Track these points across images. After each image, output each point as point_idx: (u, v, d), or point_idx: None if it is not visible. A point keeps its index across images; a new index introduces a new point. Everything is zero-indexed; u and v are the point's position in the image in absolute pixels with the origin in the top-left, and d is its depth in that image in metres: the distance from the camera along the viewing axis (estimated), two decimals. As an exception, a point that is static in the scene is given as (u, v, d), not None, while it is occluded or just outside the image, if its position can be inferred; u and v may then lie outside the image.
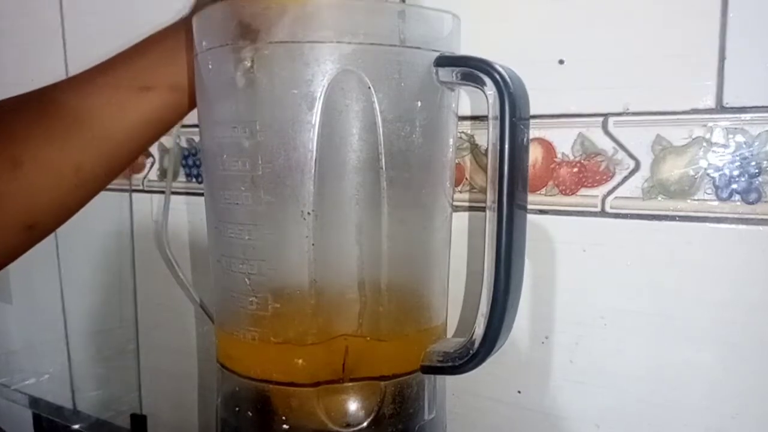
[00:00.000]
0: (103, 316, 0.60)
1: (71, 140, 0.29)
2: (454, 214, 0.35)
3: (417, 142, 0.29)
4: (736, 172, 0.30)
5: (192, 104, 0.32)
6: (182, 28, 0.32)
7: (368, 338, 0.29)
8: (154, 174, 0.53)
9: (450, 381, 0.35)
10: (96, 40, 0.41)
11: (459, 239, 0.37)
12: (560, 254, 0.35)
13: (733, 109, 0.30)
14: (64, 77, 0.32)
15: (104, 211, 0.57)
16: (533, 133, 0.35)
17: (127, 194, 0.54)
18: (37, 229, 0.30)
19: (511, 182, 0.26)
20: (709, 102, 0.31)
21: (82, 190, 0.30)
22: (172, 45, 0.32)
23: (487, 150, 0.27)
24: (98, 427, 0.61)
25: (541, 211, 0.35)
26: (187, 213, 0.51)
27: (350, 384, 0.29)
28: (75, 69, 0.31)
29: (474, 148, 0.37)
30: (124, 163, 0.32)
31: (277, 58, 0.28)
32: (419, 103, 0.29)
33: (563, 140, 0.34)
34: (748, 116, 0.30)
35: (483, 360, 0.28)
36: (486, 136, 0.28)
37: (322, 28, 0.27)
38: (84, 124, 0.29)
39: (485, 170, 0.34)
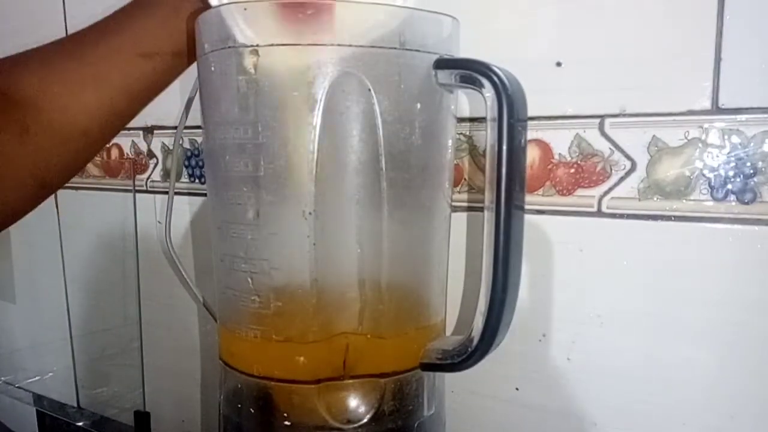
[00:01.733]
0: (107, 314, 0.60)
1: (76, 105, 0.29)
2: (453, 214, 0.35)
3: (416, 143, 0.29)
4: (731, 173, 0.31)
5: (193, 62, 0.32)
6: None
7: (368, 336, 0.29)
8: (157, 174, 0.53)
9: (449, 378, 0.36)
10: None
11: (458, 239, 0.38)
12: (557, 254, 0.35)
13: (728, 111, 0.30)
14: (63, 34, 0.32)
15: (108, 212, 0.57)
16: (531, 134, 0.35)
17: (130, 194, 0.55)
18: (48, 187, 0.30)
19: (509, 183, 0.26)
20: (705, 103, 0.31)
21: (88, 150, 0.31)
22: (174, 4, 0.31)
23: (485, 151, 0.28)
24: (102, 424, 0.61)
25: (539, 211, 0.36)
26: (189, 213, 0.51)
27: (351, 381, 0.30)
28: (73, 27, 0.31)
29: (472, 149, 0.38)
30: (126, 122, 0.32)
31: (279, 60, 0.28)
32: (419, 105, 0.29)
33: (560, 141, 0.35)
34: (743, 117, 0.30)
35: (481, 357, 0.28)
36: (484, 138, 0.28)
37: (323, 31, 0.27)
38: (87, 90, 0.29)
39: (483, 171, 0.34)
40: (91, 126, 0.30)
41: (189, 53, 0.32)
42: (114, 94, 0.30)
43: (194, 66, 0.31)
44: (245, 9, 0.28)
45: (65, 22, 0.57)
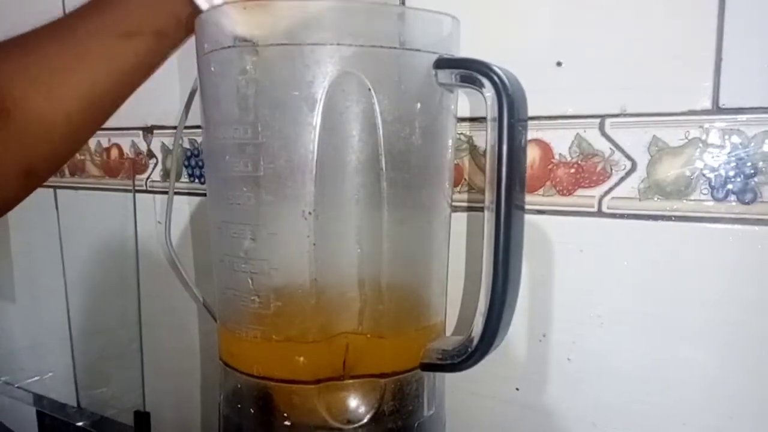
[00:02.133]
0: (106, 314, 0.60)
1: (58, 89, 0.29)
2: (453, 214, 0.35)
3: (416, 143, 0.29)
4: (731, 173, 0.31)
5: (179, 45, 0.31)
6: None
7: (368, 336, 0.29)
8: (157, 174, 0.53)
9: (449, 378, 0.36)
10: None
11: (458, 239, 0.38)
12: (557, 254, 0.35)
13: (729, 111, 0.30)
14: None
15: (108, 211, 0.57)
16: (531, 134, 0.35)
17: (130, 194, 0.55)
18: (35, 176, 0.30)
19: (509, 183, 0.26)
20: (706, 103, 0.31)
21: (74, 137, 0.30)
22: None
23: (485, 151, 0.28)
24: (102, 424, 0.61)
25: (539, 211, 0.36)
26: (189, 213, 0.51)
27: (351, 381, 0.30)
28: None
29: (473, 149, 0.38)
30: (114, 108, 0.32)
31: (278, 60, 0.28)
32: (419, 105, 0.29)
33: (561, 141, 0.35)
34: (744, 117, 0.30)
35: (481, 358, 0.29)
36: (484, 138, 0.28)
37: (323, 31, 0.27)
38: (68, 72, 0.29)
39: (484, 171, 0.35)
40: (75, 109, 0.29)
41: (174, 34, 0.31)
42: (96, 75, 0.30)
43: (194, 66, 0.31)
44: (245, 9, 0.28)
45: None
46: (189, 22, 0.30)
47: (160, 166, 0.53)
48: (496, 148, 0.26)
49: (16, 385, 0.69)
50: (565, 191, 0.35)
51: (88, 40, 0.29)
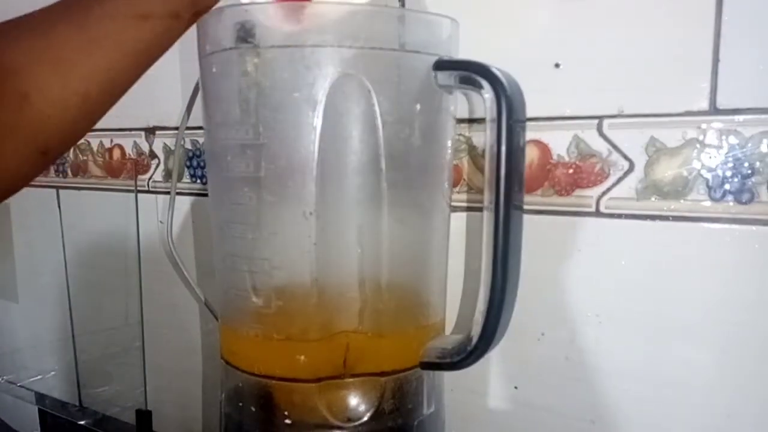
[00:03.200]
0: (108, 314, 0.60)
1: (74, 72, 0.29)
2: (453, 214, 0.35)
3: (416, 144, 0.30)
4: (729, 173, 0.31)
5: (188, 27, 0.31)
6: None
7: (369, 335, 0.30)
8: (159, 175, 0.54)
9: (448, 377, 0.36)
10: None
11: (457, 239, 0.38)
12: (556, 253, 0.36)
13: (726, 111, 0.31)
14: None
15: (110, 212, 0.58)
16: (529, 135, 0.35)
17: (132, 195, 0.55)
18: (50, 154, 0.30)
19: (507, 183, 0.27)
20: (703, 104, 0.31)
21: (90, 117, 0.31)
22: None
23: (484, 152, 0.28)
24: (104, 423, 0.62)
25: (537, 212, 0.36)
26: (191, 213, 0.52)
27: (351, 380, 0.30)
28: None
29: (471, 149, 0.38)
30: (128, 87, 0.32)
31: (279, 61, 0.28)
32: (418, 106, 0.29)
33: (559, 142, 0.35)
34: (741, 118, 0.30)
35: (480, 356, 0.29)
36: (483, 138, 0.28)
37: (323, 33, 0.28)
38: (84, 55, 0.29)
39: (483, 171, 0.35)
40: (90, 91, 0.29)
41: (188, 15, 0.31)
42: (111, 58, 0.30)
43: (196, 67, 0.32)
44: (246, 11, 0.28)
45: None
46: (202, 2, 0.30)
47: (162, 167, 0.53)
48: (495, 149, 0.26)
49: (18, 384, 0.69)
50: (563, 191, 0.35)
51: (103, 23, 0.29)
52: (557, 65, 0.34)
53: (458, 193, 0.38)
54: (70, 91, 0.29)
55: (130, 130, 0.54)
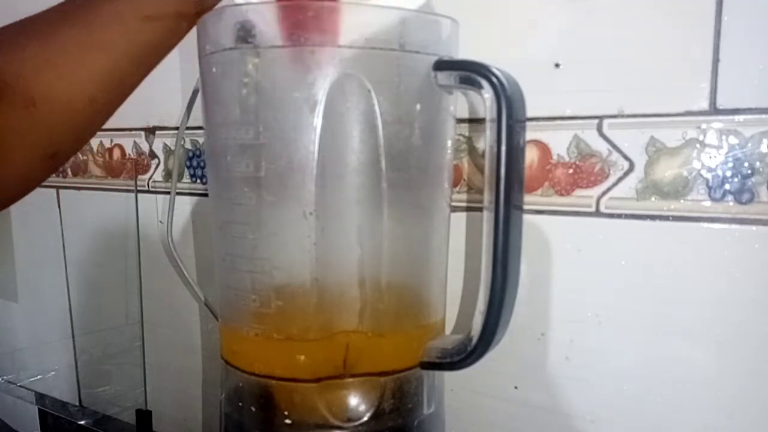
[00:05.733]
0: (108, 313, 0.60)
1: (80, 76, 0.29)
2: (453, 214, 0.35)
3: (416, 144, 0.30)
4: (729, 173, 0.31)
5: (192, 26, 0.32)
6: None
7: (369, 334, 0.30)
8: (159, 175, 0.54)
9: (448, 377, 0.36)
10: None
11: (457, 239, 0.38)
12: (556, 253, 0.36)
13: (726, 111, 0.31)
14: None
15: (110, 211, 0.58)
16: (529, 135, 0.35)
17: (132, 195, 0.55)
18: (59, 158, 0.31)
19: (507, 183, 0.27)
20: (703, 104, 0.31)
21: (96, 118, 0.31)
22: None
23: (484, 152, 0.28)
24: (104, 422, 0.62)
25: (537, 212, 0.36)
26: (191, 213, 0.52)
27: (351, 379, 0.30)
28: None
29: (471, 149, 0.38)
30: (134, 87, 0.32)
31: (279, 61, 0.28)
32: (418, 106, 0.29)
33: (559, 142, 0.35)
34: (741, 118, 0.30)
35: (480, 356, 0.29)
36: (483, 138, 0.28)
37: (323, 33, 0.28)
38: (89, 59, 0.29)
39: (483, 171, 0.35)
40: (97, 94, 0.30)
41: (192, 15, 0.31)
42: (118, 60, 0.30)
43: (196, 67, 0.32)
44: (246, 11, 0.28)
45: None
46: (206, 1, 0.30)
47: (162, 167, 0.53)
48: (495, 149, 0.26)
49: (18, 384, 0.69)
50: (563, 191, 0.35)
51: (108, 26, 0.29)
52: (557, 65, 0.34)
53: (458, 193, 0.38)
54: (77, 95, 0.29)
55: (130, 129, 0.55)
